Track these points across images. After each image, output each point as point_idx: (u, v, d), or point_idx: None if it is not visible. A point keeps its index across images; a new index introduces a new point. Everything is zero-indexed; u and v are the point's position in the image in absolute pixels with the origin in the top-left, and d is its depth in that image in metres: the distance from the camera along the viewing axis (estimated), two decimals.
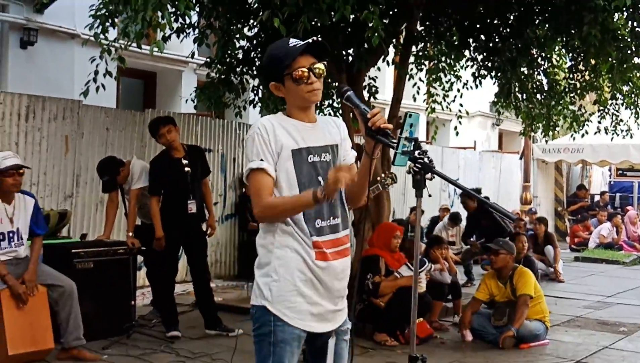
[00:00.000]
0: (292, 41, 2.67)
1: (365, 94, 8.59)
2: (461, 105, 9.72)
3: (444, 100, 10.08)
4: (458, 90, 9.86)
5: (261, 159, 2.59)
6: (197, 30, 7.55)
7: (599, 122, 10.55)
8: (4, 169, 5.34)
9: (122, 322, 6.19)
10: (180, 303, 7.06)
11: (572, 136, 10.75)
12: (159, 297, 6.80)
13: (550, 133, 10.69)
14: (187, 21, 7.28)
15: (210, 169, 7.02)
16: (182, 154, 6.49)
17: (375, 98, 8.88)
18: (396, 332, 6.47)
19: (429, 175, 2.58)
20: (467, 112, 10.50)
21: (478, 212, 10.41)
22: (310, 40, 2.64)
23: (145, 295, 7.68)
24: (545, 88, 9.83)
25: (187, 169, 6.44)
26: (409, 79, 9.29)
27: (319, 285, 2.63)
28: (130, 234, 6.46)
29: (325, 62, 2.69)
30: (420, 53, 9.49)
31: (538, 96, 9.83)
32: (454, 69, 9.94)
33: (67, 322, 5.49)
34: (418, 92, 10.07)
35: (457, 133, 10.19)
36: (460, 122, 10.03)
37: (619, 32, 8.13)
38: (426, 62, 9.83)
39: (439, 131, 11.28)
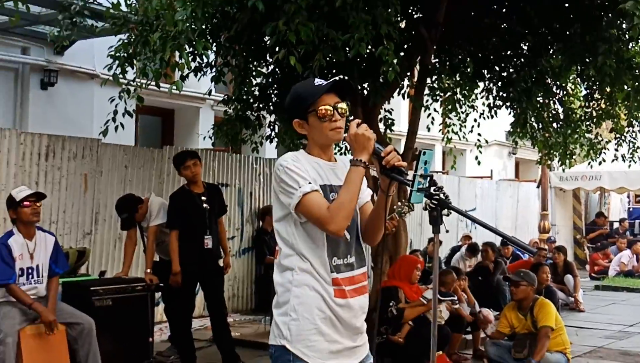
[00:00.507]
0: (317, 81, 2.72)
1: (382, 127, 8.63)
2: (479, 134, 9.73)
3: (461, 130, 10.10)
4: (475, 119, 9.88)
5: (309, 183, 2.59)
6: (214, 69, 7.66)
7: (616, 149, 10.52)
8: (21, 200, 5.40)
9: (140, 359, 6.18)
10: (197, 339, 7.06)
11: (589, 163, 10.71)
12: (176, 333, 6.81)
13: (567, 162, 10.66)
14: (205, 61, 7.39)
15: (227, 207, 7.06)
16: (202, 191, 6.56)
17: (391, 130, 8.93)
18: None
19: (445, 211, 2.61)
20: (487, 141, 10.49)
21: (489, 271, 10.30)
22: (336, 79, 2.68)
23: (163, 331, 7.69)
24: (561, 117, 9.83)
25: (205, 205, 6.50)
26: (424, 111, 9.34)
27: (337, 323, 2.64)
28: (149, 270, 6.48)
29: (348, 102, 2.74)
30: (435, 85, 9.54)
31: (554, 124, 9.83)
32: (469, 99, 9.97)
33: (86, 360, 5.49)
34: (432, 123, 10.11)
35: (478, 162, 10.17)
36: (480, 152, 10.03)
37: (633, 60, 8.15)
38: (441, 94, 9.88)
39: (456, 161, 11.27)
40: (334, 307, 2.62)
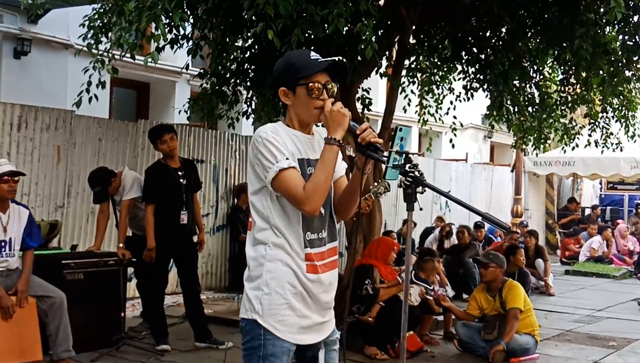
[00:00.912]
0: (313, 54, 2.69)
1: (359, 106, 8.61)
2: (455, 117, 9.75)
3: (437, 112, 10.12)
4: (451, 102, 9.89)
5: (287, 158, 2.57)
6: (190, 42, 7.56)
7: (590, 135, 10.61)
8: (1, 174, 5.32)
9: (111, 334, 6.15)
10: (170, 315, 7.04)
11: (563, 149, 10.80)
12: (148, 309, 6.77)
13: (542, 146, 10.73)
14: (182, 33, 7.29)
15: (201, 183, 7.01)
16: (178, 166, 6.50)
17: (369, 110, 8.91)
18: (386, 345, 6.47)
19: (419, 189, 2.61)
20: (462, 124, 10.53)
21: (462, 249, 10.43)
22: (335, 59, 2.65)
23: (135, 307, 7.65)
24: (537, 101, 9.87)
25: (182, 180, 6.44)
26: (401, 92, 9.32)
27: (308, 298, 2.65)
28: (121, 245, 6.44)
29: (337, 84, 2.72)
30: (413, 66, 9.53)
31: (530, 108, 9.87)
32: (446, 81, 9.98)
33: (56, 334, 5.46)
34: (409, 104, 10.10)
35: (453, 146, 10.21)
36: (455, 135, 10.06)
37: (610, 46, 8.19)
38: (418, 75, 9.87)
39: (431, 142, 11.31)
40: (306, 282, 2.63)
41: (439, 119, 10.12)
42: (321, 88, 2.65)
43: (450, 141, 10.15)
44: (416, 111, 11.03)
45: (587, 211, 19.38)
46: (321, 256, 2.69)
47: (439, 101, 10.10)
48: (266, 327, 2.60)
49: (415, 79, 9.81)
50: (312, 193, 2.55)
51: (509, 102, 9.51)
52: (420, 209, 2.68)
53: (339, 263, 2.83)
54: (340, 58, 2.68)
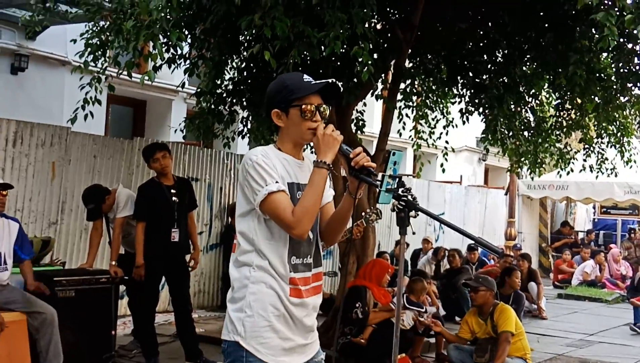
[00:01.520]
0: (306, 77, 2.71)
1: (353, 128, 8.65)
2: (447, 142, 9.81)
3: (430, 137, 10.17)
4: (444, 127, 9.95)
5: (276, 182, 2.58)
6: (187, 61, 7.61)
7: (584, 160, 10.67)
8: None
9: (102, 352, 6.12)
10: (161, 334, 7.02)
11: (558, 173, 10.85)
12: (139, 327, 6.75)
13: (537, 170, 10.77)
14: (179, 52, 7.34)
15: (197, 202, 7.02)
16: (171, 183, 6.51)
17: (362, 132, 8.95)
18: None
19: (412, 213, 2.61)
20: (453, 149, 10.59)
21: (455, 273, 10.42)
22: (328, 81, 2.67)
23: (127, 325, 7.61)
24: (533, 125, 9.93)
25: (174, 198, 6.45)
26: (398, 116, 9.37)
27: (290, 321, 2.65)
28: (114, 263, 6.42)
29: (330, 106, 2.73)
30: (408, 90, 9.59)
31: (525, 133, 9.92)
32: (441, 105, 10.04)
33: (46, 351, 5.41)
34: (404, 128, 10.15)
35: (443, 170, 10.26)
36: (446, 159, 10.11)
37: (604, 72, 8.26)
38: (414, 98, 9.92)
39: (426, 165, 11.38)
40: (289, 305, 2.63)
41: (432, 144, 10.16)
42: (314, 110, 2.66)
43: (442, 165, 10.20)
44: (410, 136, 11.08)
45: (581, 235, 19.43)
46: (305, 281, 2.69)
47: (432, 126, 10.15)
48: (248, 349, 2.59)
49: (410, 103, 9.87)
50: (301, 216, 2.55)
51: (503, 126, 9.56)
52: (413, 233, 2.69)
53: (332, 282, 2.83)
54: (334, 80, 2.70)
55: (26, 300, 5.51)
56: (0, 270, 5.41)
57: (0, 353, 5.26)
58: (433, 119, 10.11)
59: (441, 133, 9.97)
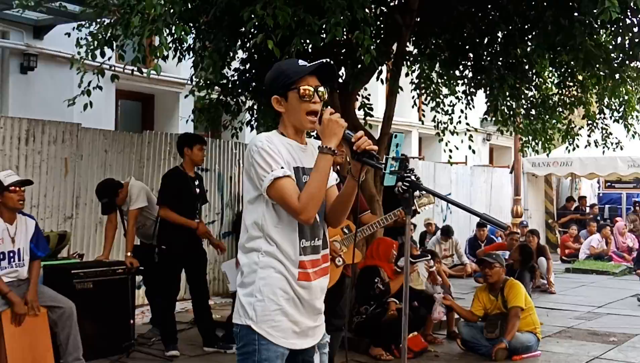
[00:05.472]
0: (301, 61, 2.77)
1: (360, 113, 8.76)
2: (468, 124, 9.82)
3: (450, 123, 10.11)
4: (461, 110, 9.93)
5: (282, 167, 2.63)
6: (192, 53, 7.71)
7: (589, 135, 10.71)
8: (9, 185, 5.40)
9: (121, 341, 6.26)
10: (179, 321, 7.15)
11: (567, 149, 10.85)
12: (158, 315, 6.90)
13: (548, 147, 10.77)
14: (184, 45, 7.44)
15: (207, 198, 7.23)
16: (194, 175, 6.70)
17: (371, 116, 9.00)
18: (391, 346, 6.57)
19: (417, 192, 2.71)
20: (476, 129, 10.39)
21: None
22: (323, 61, 2.72)
23: (145, 314, 7.78)
24: (539, 103, 9.93)
25: (197, 189, 6.66)
26: (413, 106, 9.33)
27: (299, 304, 2.71)
28: (129, 254, 6.56)
29: (327, 88, 2.79)
30: (417, 77, 9.62)
31: (532, 111, 9.94)
32: (451, 88, 10.02)
33: (66, 343, 5.51)
34: (424, 115, 10.01)
35: (473, 151, 10.22)
36: (472, 140, 10.06)
37: (604, 48, 8.28)
38: (425, 84, 9.90)
39: (431, 146, 11.39)
40: (297, 289, 2.70)
41: (454, 131, 10.09)
42: (312, 92, 2.70)
43: (470, 147, 10.15)
44: (417, 118, 11.00)
45: (588, 210, 19.52)
46: (314, 263, 2.75)
47: (450, 113, 10.09)
48: (260, 333, 2.65)
49: (423, 91, 9.89)
50: (307, 201, 2.61)
51: (505, 106, 9.61)
52: (418, 212, 2.80)
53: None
54: (328, 60, 2.75)
55: (45, 294, 5.60)
56: (20, 265, 5.50)
57: (23, 346, 5.38)
58: (449, 105, 10.09)
59: (460, 117, 9.97)
